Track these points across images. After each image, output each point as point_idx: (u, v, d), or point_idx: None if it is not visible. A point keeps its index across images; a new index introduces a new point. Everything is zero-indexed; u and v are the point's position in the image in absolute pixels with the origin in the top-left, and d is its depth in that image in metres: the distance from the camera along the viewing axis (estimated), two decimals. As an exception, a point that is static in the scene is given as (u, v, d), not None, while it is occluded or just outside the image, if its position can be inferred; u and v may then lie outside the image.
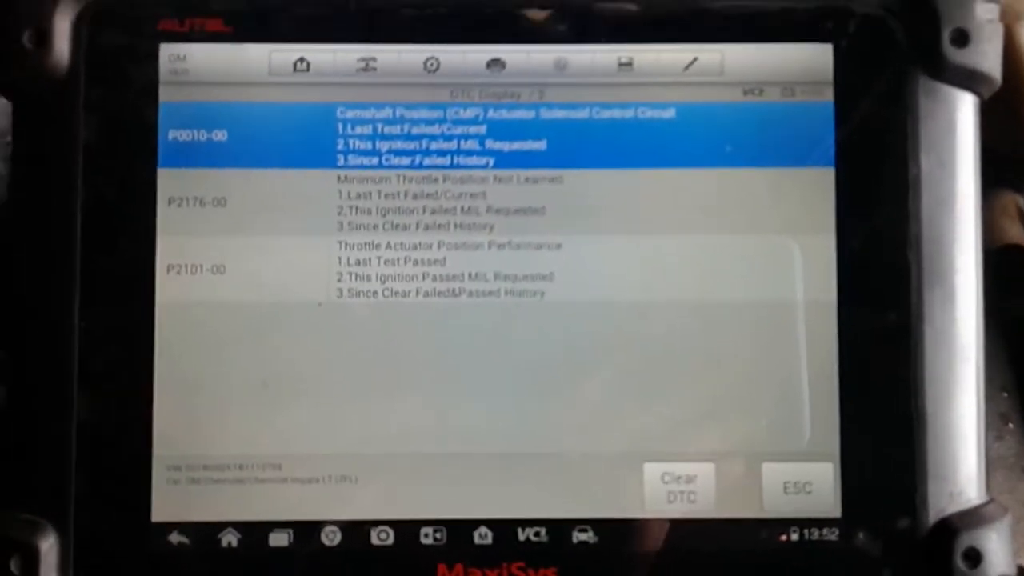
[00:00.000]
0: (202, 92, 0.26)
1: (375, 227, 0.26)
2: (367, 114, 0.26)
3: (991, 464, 0.31)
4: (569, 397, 0.26)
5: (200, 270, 0.26)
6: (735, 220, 0.26)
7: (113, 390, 0.25)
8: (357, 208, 0.26)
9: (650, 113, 0.26)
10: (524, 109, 0.26)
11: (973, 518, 0.25)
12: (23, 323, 0.25)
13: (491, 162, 0.26)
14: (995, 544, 0.25)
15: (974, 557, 0.25)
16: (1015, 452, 0.31)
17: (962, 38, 0.26)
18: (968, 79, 0.26)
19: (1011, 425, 0.32)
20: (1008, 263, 0.36)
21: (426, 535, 0.26)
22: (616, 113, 0.26)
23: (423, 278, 0.26)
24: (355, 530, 0.26)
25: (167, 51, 0.26)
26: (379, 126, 0.26)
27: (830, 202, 0.26)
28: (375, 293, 0.26)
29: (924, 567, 0.25)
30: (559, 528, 0.26)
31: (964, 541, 0.25)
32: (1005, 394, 0.33)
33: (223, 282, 0.26)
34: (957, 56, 0.26)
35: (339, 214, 0.26)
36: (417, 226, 0.26)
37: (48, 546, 0.25)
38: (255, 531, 0.25)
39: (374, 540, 0.26)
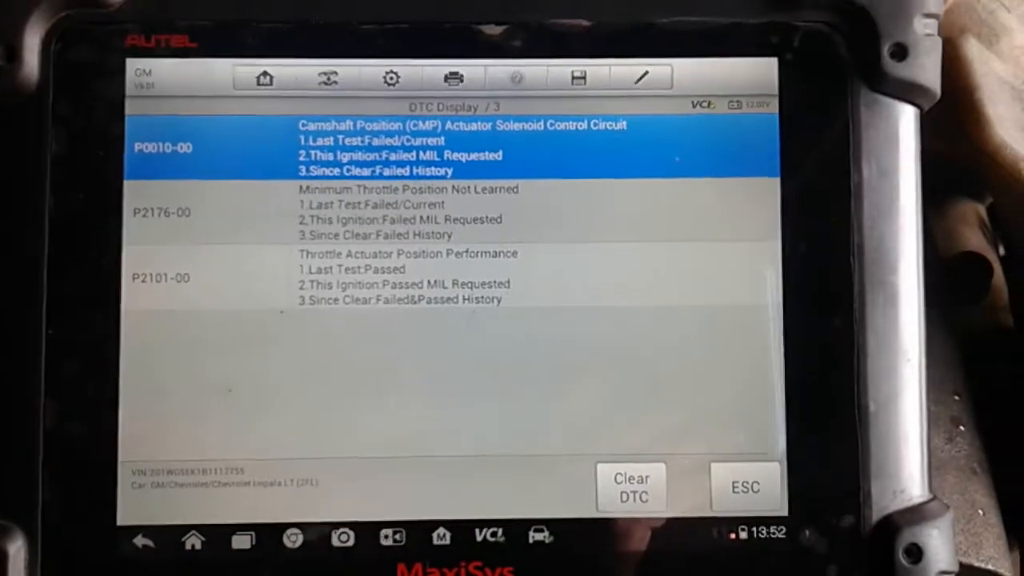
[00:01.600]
0: (168, 106, 0.27)
1: (336, 236, 0.27)
2: (328, 126, 0.27)
3: (944, 466, 0.32)
4: (524, 400, 0.26)
5: (165, 279, 0.26)
6: (684, 228, 0.27)
7: (79, 396, 0.26)
8: (318, 217, 0.27)
9: (603, 125, 0.27)
10: (481, 121, 0.27)
11: (915, 515, 0.26)
12: (-8, 331, 0.26)
13: (449, 172, 0.27)
14: (936, 540, 0.25)
15: (915, 553, 0.25)
16: (966, 454, 0.32)
17: (901, 52, 0.27)
18: (908, 91, 0.27)
19: (962, 428, 0.33)
20: (966, 270, 0.37)
21: (386, 536, 0.26)
22: (570, 125, 0.27)
23: (383, 285, 0.27)
24: (316, 532, 0.26)
25: (134, 66, 0.27)
26: (340, 138, 0.27)
27: (776, 210, 0.27)
28: (336, 300, 0.27)
29: (868, 563, 0.26)
30: (515, 528, 0.26)
31: (906, 538, 0.25)
32: (957, 397, 0.33)
33: (188, 290, 0.26)
34: (896, 69, 0.27)
35: (301, 223, 0.27)
36: (377, 235, 0.27)
37: (16, 549, 0.25)
38: (218, 534, 0.26)
39: (335, 542, 0.26)
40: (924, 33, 0.27)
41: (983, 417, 0.33)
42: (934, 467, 0.27)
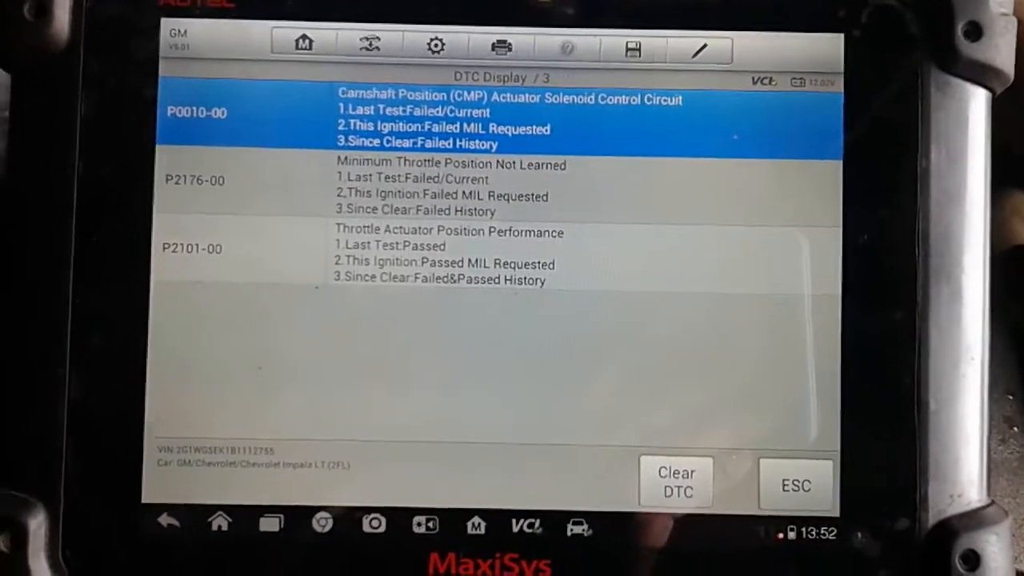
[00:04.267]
0: (203, 68, 0.26)
1: (374, 210, 0.26)
2: (369, 94, 0.26)
3: (995, 467, 0.31)
4: (566, 388, 0.26)
5: (196, 249, 0.26)
6: (740, 211, 0.26)
7: (106, 369, 0.25)
8: (357, 190, 0.26)
9: (657, 100, 0.26)
10: (529, 93, 0.26)
11: (973, 520, 0.25)
12: (16, 299, 0.25)
13: (494, 146, 0.26)
14: (994, 547, 0.25)
15: (973, 560, 0.24)
16: (1019, 456, 0.31)
17: (975, 31, 0.25)
18: (980, 73, 0.26)
19: (1016, 429, 0.32)
20: (1018, 265, 0.36)
21: (419, 524, 0.25)
22: (622, 99, 0.26)
23: (422, 263, 0.26)
24: (347, 517, 0.25)
25: (168, 26, 0.26)
26: (381, 107, 0.26)
27: (838, 195, 0.26)
28: (373, 277, 0.26)
29: (922, 569, 0.25)
30: (554, 520, 0.25)
31: (963, 543, 0.24)
32: (1011, 397, 0.32)
33: (219, 262, 0.26)
34: (970, 50, 0.25)
35: (338, 195, 0.26)
36: (417, 210, 0.26)
37: (37, 524, 0.24)
38: (246, 515, 0.25)
39: (366, 528, 0.25)
40: (1000, 12, 0.26)
41: (1037, 418, 0.32)
42: (985, 469, 0.26)
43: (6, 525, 0.24)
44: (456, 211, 0.26)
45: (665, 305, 0.26)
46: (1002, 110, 0.32)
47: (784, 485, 0.25)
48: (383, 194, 0.26)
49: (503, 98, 0.26)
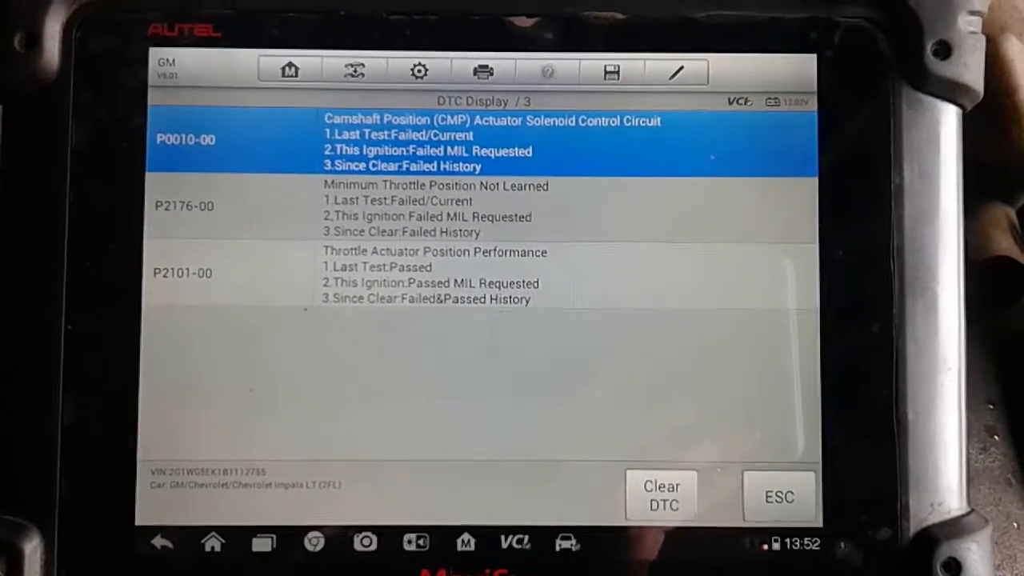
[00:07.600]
0: (191, 96, 0.26)
1: (361, 232, 0.26)
2: (355, 119, 0.26)
3: (977, 476, 0.31)
4: (552, 404, 0.26)
5: (187, 274, 0.26)
6: (719, 229, 0.26)
7: (98, 393, 0.25)
8: (344, 213, 0.26)
9: (636, 121, 0.26)
10: (511, 116, 0.26)
11: (954, 528, 0.25)
12: (9, 325, 0.25)
13: (478, 168, 0.26)
14: (975, 555, 0.25)
15: (954, 568, 0.25)
16: (1000, 464, 0.31)
17: (944, 50, 0.26)
18: (950, 91, 0.26)
19: (997, 437, 0.32)
20: (997, 275, 0.37)
21: (409, 541, 0.26)
22: (602, 121, 0.26)
23: (409, 284, 0.26)
24: (338, 536, 0.26)
25: (156, 56, 0.26)
26: (366, 132, 0.26)
27: (814, 212, 0.26)
28: (361, 298, 0.26)
29: (905, 577, 0.25)
30: (542, 535, 0.26)
31: (944, 551, 0.25)
32: (991, 406, 0.33)
33: (210, 286, 0.26)
34: (939, 68, 0.26)
35: (326, 219, 0.26)
36: (403, 232, 0.26)
37: (32, 548, 0.25)
38: (238, 536, 0.26)
39: (357, 546, 0.26)
40: (968, 31, 0.26)
41: (1018, 426, 0.32)
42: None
43: (1, 550, 0.24)
44: (441, 232, 0.26)
45: (648, 321, 0.26)
46: (981, 124, 0.32)
47: (768, 497, 0.26)
48: (370, 217, 0.26)
49: (486, 121, 0.26)
